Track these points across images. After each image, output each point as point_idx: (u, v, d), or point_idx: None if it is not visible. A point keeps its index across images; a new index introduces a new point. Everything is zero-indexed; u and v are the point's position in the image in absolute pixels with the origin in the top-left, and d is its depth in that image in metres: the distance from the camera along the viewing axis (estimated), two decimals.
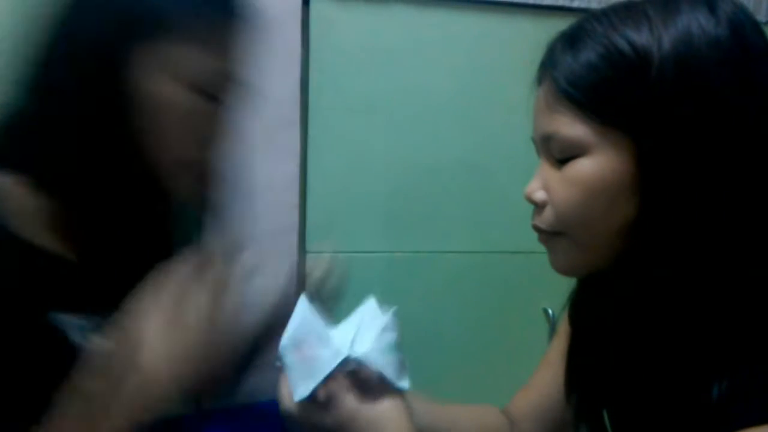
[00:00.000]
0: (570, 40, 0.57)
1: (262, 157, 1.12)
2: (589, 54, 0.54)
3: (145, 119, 0.62)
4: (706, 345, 0.52)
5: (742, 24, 0.52)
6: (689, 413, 0.54)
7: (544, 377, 0.77)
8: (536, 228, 0.61)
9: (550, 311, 1.21)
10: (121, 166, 0.63)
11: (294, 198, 1.14)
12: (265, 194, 1.13)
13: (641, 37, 0.52)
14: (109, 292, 0.63)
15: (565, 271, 0.61)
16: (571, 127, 0.54)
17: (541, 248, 0.63)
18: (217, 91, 0.65)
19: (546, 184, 0.59)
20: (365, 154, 1.18)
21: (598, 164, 0.54)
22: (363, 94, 1.17)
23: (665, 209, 0.52)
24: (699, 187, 0.51)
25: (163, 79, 0.61)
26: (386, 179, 1.19)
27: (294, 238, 1.14)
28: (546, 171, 0.59)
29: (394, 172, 1.19)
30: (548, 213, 0.58)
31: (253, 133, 1.13)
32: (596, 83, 0.53)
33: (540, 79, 0.60)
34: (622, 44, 0.52)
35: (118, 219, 0.66)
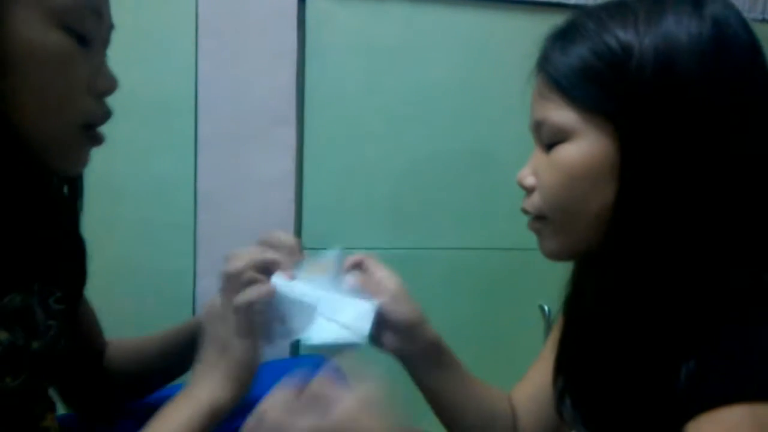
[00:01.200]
0: (563, 35, 0.60)
1: (257, 154, 1.13)
2: (579, 48, 0.57)
3: (23, 78, 0.54)
4: (677, 328, 0.54)
5: (727, 21, 0.54)
6: (659, 397, 0.55)
7: (539, 371, 0.78)
8: (524, 211, 0.64)
9: (545, 308, 1.21)
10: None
11: (290, 194, 1.14)
12: (260, 191, 1.13)
13: (627, 33, 0.55)
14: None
15: (550, 255, 0.63)
16: (559, 114, 0.58)
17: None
18: (87, 30, 0.57)
19: (536, 170, 0.62)
20: (361, 150, 1.18)
21: (580, 149, 0.57)
22: (359, 91, 1.16)
23: (643, 195, 0.54)
24: (676, 174, 0.53)
25: (33, 22, 0.53)
26: (382, 176, 1.19)
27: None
28: (537, 156, 0.62)
29: (389, 169, 1.19)
30: (535, 197, 0.62)
31: (249, 130, 1.14)
32: (583, 72, 0.56)
33: (536, 71, 0.63)
34: (609, 40, 0.55)
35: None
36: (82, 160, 0.61)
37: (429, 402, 0.75)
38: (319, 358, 0.63)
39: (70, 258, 0.72)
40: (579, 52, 0.57)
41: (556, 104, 0.58)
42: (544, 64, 0.60)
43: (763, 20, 1.30)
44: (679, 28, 0.54)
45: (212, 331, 0.64)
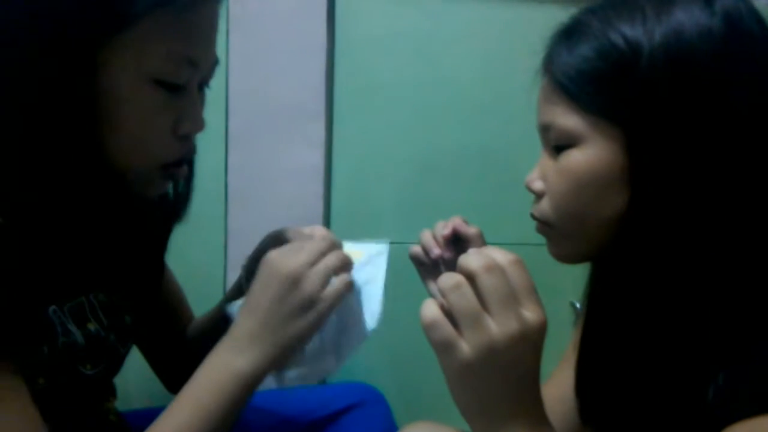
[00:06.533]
0: (567, 34, 0.58)
1: (286, 147, 1.13)
2: (584, 48, 0.55)
3: (111, 122, 0.56)
4: (700, 340, 0.52)
5: (739, 15, 0.51)
6: (685, 411, 0.53)
7: (565, 372, 0.77)
8: (533, 216, 0.62)
9: (577, 305, 1.19)
10: (88, 179, 0.57)
11: (319, 188, 1.15)
12: (289, 184, 1.13)
13: (634, 31, 0.52)
14: (88, 280, 0.64)
15: (560, 259, 0.63)
16: (566, 118, 0.56)
17: None
18: (179, 80, 0.58)
19: (544, 174, 0.60)
20: (390, 143, 1.17)
21: (589, 155, 0.55)
22: (388, 84, 1.16)
23: (654, 201, 0.52)
24: (688, 179, 0.51)
25: (126, 75, 0.55)
26: (411, 170, 1.18)
27: None
28: (545, 161, 0.60)
29: (419, 163, 1.18)
30: (544, 203, 0.60)
31: (279, 124, 1.14)
32: (589, 75, 0.54)
33: (542, 71, 0.61)
34: (616, 38, 0.53)
35: (83, 224, 0.61)
36: (157, 191, 0.64)
37: None
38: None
39: (149, 265, 0.76)
40: (584, 54, 0.54)
41: (562, 108, 0.56)
42: (549, 65, 0.58)
43: None
44: (690, 23, 0.51)
45: (286, 296, 0.60)
